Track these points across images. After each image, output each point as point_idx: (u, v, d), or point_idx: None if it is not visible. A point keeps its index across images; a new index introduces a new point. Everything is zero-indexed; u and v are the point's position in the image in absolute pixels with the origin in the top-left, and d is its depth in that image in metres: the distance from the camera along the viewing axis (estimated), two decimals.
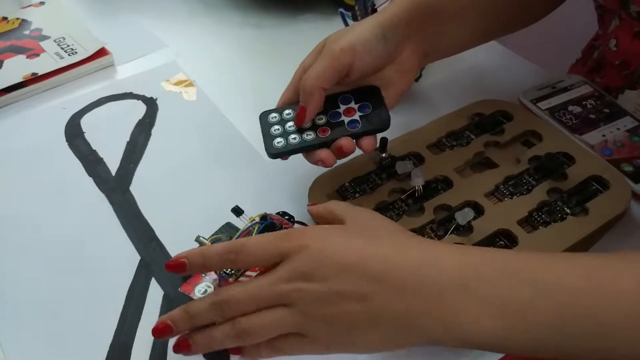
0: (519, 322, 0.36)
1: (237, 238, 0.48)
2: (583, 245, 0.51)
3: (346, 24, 0.66)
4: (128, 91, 0.71)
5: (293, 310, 0.37)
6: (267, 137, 0.52)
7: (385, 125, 0.52)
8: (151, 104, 0.69)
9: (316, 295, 0.37)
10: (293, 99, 0.54)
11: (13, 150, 0.63)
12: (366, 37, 0.51)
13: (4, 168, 0.61)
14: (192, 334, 0.39)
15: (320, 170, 0.57)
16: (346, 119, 0.52)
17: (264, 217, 0.50)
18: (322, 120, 0.52)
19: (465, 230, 0.51)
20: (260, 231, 0.49)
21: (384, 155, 0.57)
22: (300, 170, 0.60)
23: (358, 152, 0.59)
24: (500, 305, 0.36)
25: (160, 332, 0.39)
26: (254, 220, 0.49)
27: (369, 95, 0.53)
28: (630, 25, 0.66)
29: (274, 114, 0.53)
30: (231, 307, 0.38)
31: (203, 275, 0.46)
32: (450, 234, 0.51)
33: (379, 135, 0.55)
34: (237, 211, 0.51)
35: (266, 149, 0.52)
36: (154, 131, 0.65)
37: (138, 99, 0.70)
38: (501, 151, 0.59)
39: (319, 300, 0.37)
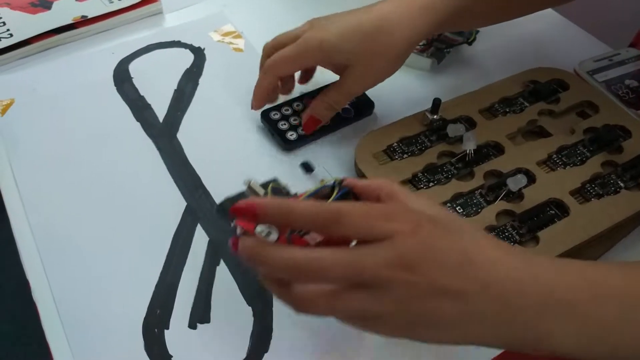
0: (612, 342, 0.35)
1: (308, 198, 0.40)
2: (635, 221, 0.50)
3: None
4: (176, 39, 0.70)
5: (379, 296, 0.34)
6: (279, 133, 0.57)
7: (371, 106, 0.61)
8: (199, 54, 0.68)
9: (415, 289, 0.34)
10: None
11: (63, 91, 0.63)
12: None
13: (54, 108, 0.62)
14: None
15: (368, 129, 0.57)
16: None
17: (340, 184, 0.40)
18: None
19: (515, 197, 0.51)
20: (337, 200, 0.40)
21: (435, 117, 0.56)
22: (347, 128, 0.60)
23: (408, 112, 0.58)
24: (598, 327, 0.35)
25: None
26: (326, 183, 0.40)
27: None
28: None
29: (273, 112, 0.59)
30: (311, 275, 0.34)
31: None
32: (500, 199, 0.50)
33: (426, 101, 0.56)
34: (307, 167, 0.47)
35: (282, 144, 0.57)
36: (201, 80, 0.65)
37: (186, 48, 0.69)
38: (555, 120, 0.57)
39: (415, 295, 0.34)
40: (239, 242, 0.35)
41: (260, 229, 0.36)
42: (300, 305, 0.35)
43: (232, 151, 0.58)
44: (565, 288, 0.35)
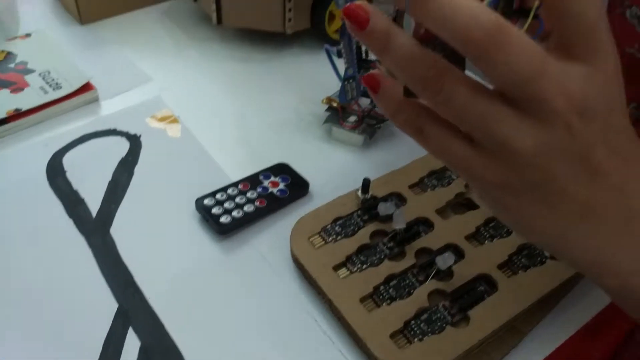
0: None
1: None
2: (563, 290, 0.51)
3: (331, 60, 0.66)
4: (112, 127, 0.71)
5: (531, 127, 0.27)
6: (212, 218, 0.57)
7: (306, 186, 0.62)
8: (134, 141, 0.69)
9: (571, 143, 0.27)
10: None
11: None
12: None
13: None
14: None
15: (303, 211, 0.57)
16: (274, 190, 0.61)
17: None
18: (254, 194, 0.60)
19: (445, 275, 0.51)
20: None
21: (366, 196, 0.57)
22: (283, 210, 0.60)
23: (343, 189, 0.59)
24: None
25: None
26: None
27: (283, 170, 0.63)
28: None
29: (207, 199, 0.59)
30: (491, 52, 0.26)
31: None
32: (431, 278, 0.51)
33: (360, 177, 0.57)
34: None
35: (215, 227, 0.57)
36: (136, 170, 0.65)
37: (122, 136, 0.69)
38: None
39: (566, 149, 0.27)
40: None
41: None
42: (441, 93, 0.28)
43: (166, 243, 0.57)
44: None
